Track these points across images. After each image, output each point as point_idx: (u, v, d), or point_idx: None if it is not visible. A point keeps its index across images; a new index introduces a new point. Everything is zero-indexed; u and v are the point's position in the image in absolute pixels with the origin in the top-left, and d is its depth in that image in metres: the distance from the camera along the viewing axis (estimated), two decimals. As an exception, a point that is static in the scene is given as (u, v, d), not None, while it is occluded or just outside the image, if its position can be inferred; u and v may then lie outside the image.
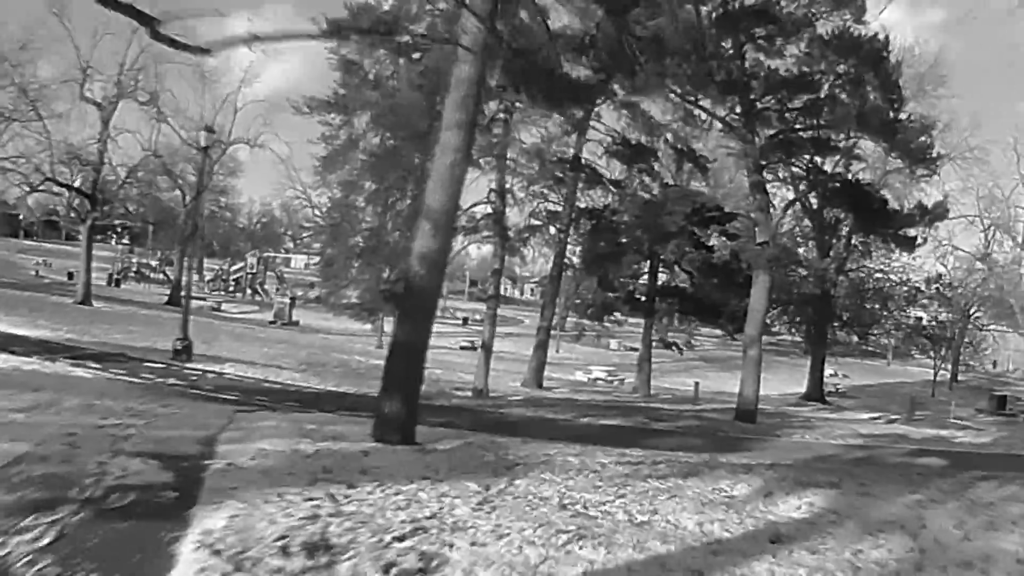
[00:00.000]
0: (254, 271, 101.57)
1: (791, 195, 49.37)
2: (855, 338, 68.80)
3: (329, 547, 7.98)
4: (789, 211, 52.25)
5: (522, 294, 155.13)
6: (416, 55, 32.11)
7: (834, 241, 63.06)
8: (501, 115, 35.40)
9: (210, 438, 14.18)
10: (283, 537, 8.06)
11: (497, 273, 39.82)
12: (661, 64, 28.70)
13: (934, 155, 37.62)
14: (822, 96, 34.69)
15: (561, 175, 42.88)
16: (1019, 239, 75.24)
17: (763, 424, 34.82)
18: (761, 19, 33.33)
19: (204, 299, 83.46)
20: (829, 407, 55.44)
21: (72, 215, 73.56)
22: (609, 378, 57.89)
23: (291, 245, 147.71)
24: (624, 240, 44.93)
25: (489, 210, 36.86)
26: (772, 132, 36.44)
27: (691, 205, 41.52)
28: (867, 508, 13.37)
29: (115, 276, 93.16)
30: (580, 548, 8.87)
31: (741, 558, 9.26)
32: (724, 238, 49.75)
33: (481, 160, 34.41)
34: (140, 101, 65.26)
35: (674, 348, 51.68)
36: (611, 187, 44.17)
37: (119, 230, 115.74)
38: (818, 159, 39.99)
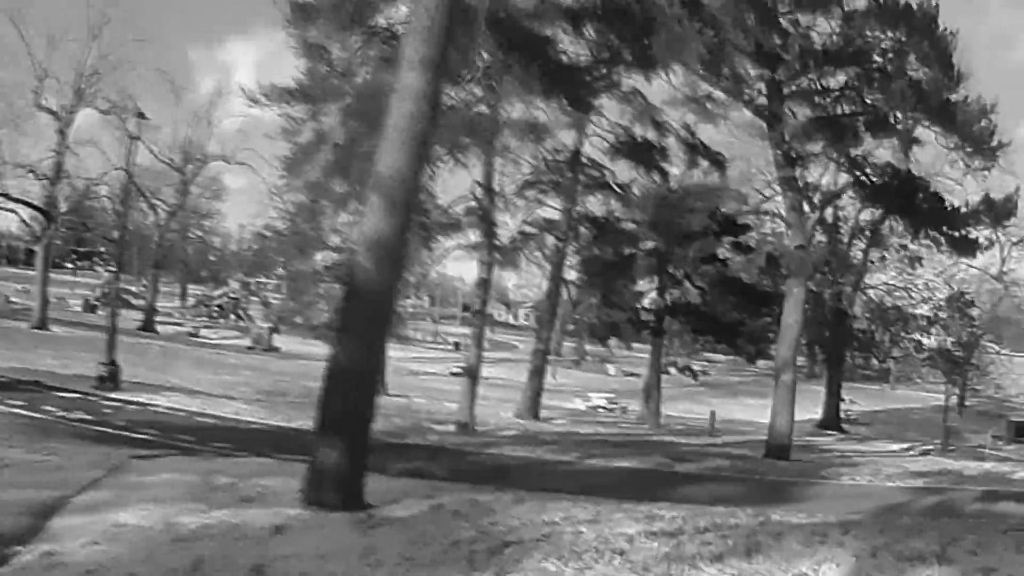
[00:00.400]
0: (236, 296, 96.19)
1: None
2: (875, 362, 62.81)
3: None
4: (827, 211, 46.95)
5: (515, 319, 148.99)
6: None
7: (851, 253, 57.99)
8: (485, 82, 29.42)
9: (57, 502, 10.30)
10: None
11: (484, 284, 32.24)
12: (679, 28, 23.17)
13: (996, 142, 31.64)
14: (869, 69, 28.98)
15: (558, 178, 37.34)
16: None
17: (799, 462, 29.19)
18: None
19: (180, 324, 78.44)
20: (848, 436, 50.12)
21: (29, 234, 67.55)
22: (610, 405, 52.46)
23: (281, 271, 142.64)
24: (631, 251, 39.59)
25: (473, 204, 30.80)
26: (811, 115, 30.73)
27: (715, 201, 35.64)
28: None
29: (91, 302, 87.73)
30: None
31: None
32: (739, 251, 44.22)
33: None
34: (100, 109, 59.57)
35: (688, 373, 45.22)
36: (616, 190, 38.30)
37: (105, 256, 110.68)
38: (853, 150, 33.44)
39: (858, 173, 33.64)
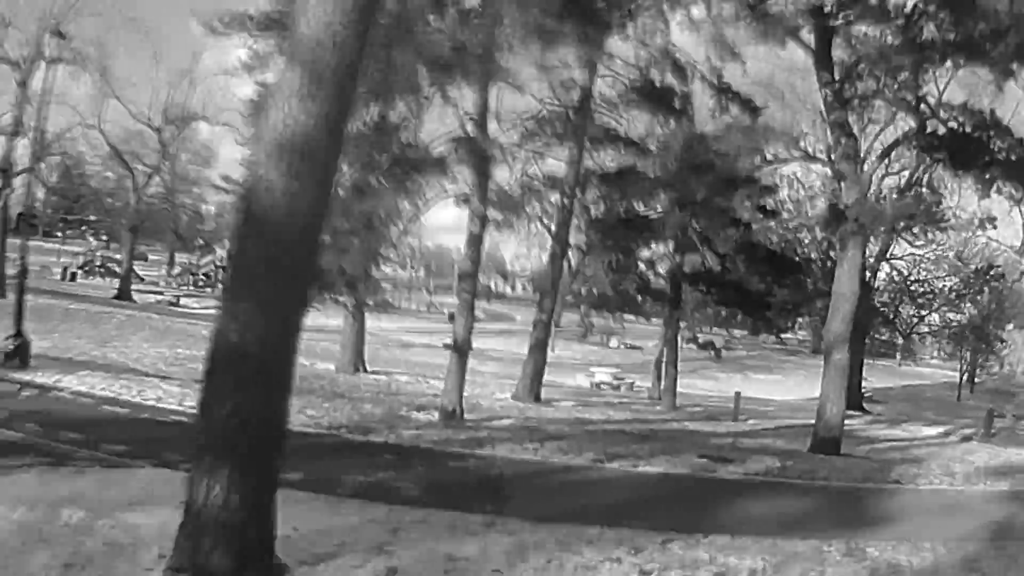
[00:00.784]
0: (223, 264, 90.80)
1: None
2: (900, 339, 57.45)
3: None
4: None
5: (513, 290, 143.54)
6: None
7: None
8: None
9: None
10: None
11: (475, 242, 24.32)
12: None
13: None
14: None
15: (563, 128, 31.89)
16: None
17: (851, 457, 23.94)
18: None
19: (161, 293, 73.24)
20: (875, 418, 44.92)
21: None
22: (615, 382, 47.21)
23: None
24: (645, 211, 34.38)
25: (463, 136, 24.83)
26: (869, 42, 25.16)
27: (763, 139, 29.83)
28: None
29: (71, 271, 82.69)
30: None
31: None
32: (761, 214, 38.86)
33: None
34: (65, 60, 53.84)
35: (711, 350, 39.37)
36: (631, 140, 32.67)
37: (94, 224, 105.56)
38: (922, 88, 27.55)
39: (926, 116, 27.78)
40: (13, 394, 17.65)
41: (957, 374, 73.06)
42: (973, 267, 57.02)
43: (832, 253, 51.85)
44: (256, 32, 25.38)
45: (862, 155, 30.85)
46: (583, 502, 13.39)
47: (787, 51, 28.32)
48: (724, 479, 17.65)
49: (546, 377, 33.07)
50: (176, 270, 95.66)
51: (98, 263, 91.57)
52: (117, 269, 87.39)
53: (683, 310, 36.57)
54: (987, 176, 26.60)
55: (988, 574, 10.68)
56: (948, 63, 26.20)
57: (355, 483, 12.51)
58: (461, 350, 22.28)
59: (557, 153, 32.45)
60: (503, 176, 30.69)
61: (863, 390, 58.55)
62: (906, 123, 32.76)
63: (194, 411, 15.98)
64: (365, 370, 31.77)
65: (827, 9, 24.78)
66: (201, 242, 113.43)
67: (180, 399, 19.11)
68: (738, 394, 34.88)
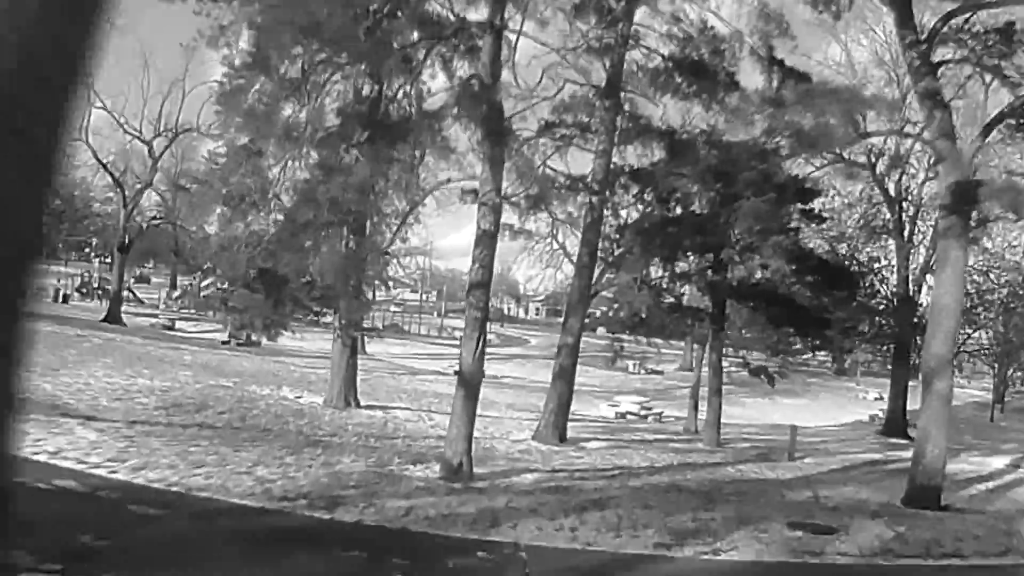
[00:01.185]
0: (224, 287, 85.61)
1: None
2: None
3: None
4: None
5: (527, 313, 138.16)
6: None
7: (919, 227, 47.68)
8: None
9: None
10: None
11: (488, 241, 16.79)
12: None
13: None
14: None
15: (587, 116, 26.46)
16: None
17: (968, 513, 18.50)
18: None
19: (156, 316, 67.79)
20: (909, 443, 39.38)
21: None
22: (642, 411, 41.61)
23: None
24: (682, 214, 28.86)
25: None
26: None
27: (859, 105, 23.77)
28: None
29: (64, 292, 77.33)
30: None
31: None
32: (808, 219, 33.30)
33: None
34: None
35: (762, 377, 33.32)
36: (665, 134, 27.13)
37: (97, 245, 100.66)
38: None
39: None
40: None
41: (982, 392, 68.17)
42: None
43: (877, 266, 46.54)
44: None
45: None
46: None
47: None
48: (837, 565, 12.19)
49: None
50: (176, 292, 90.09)
51: (95, 284, 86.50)
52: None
53: (726, 331, 30.82)
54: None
55: None
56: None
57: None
58: (469, 383, 16.48)
59: (580, 144, 26.88)
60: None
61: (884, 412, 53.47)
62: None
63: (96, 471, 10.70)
64: (358, 404, 26.11)
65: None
66: (206, 264, 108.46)
67: (86, 452, 13.67)
68: (794, 428, 29.41)
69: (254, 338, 60.57)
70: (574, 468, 19.63)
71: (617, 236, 29.73)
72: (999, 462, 32.22)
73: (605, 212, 26.69)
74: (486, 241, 16.00)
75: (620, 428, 32.66)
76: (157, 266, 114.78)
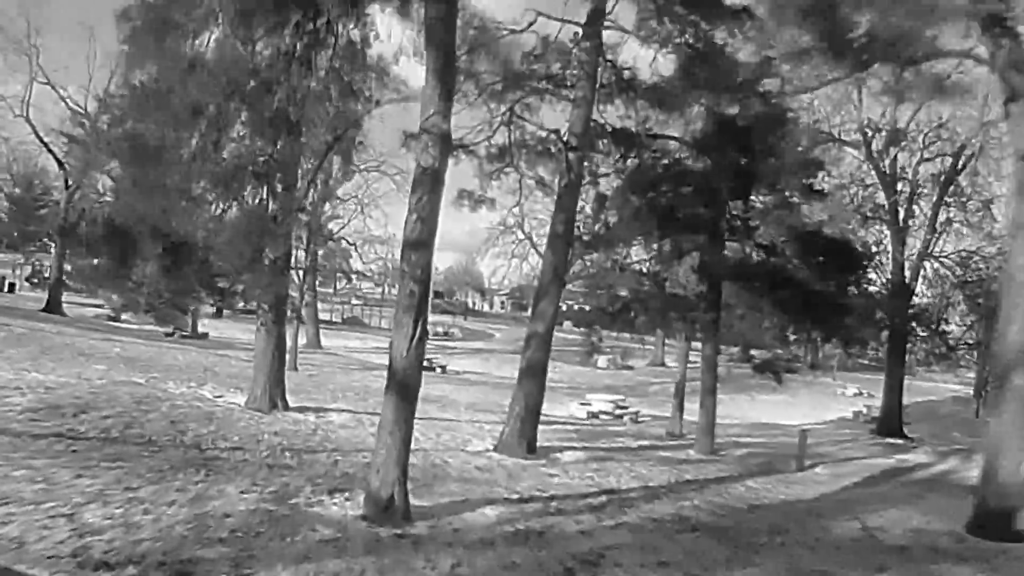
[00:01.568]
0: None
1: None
2: (943, 349, 46.89)
3: None
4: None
5: (491, 307, 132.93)
6: None
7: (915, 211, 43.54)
8: None
9: None
10: None
11: (430, 185, 11.11)
12: None
13: None
14: None
15: (560, 68, 21.57)
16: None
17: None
18: None
19: (101, 306, 62.31)
20: (926, 447, 34.95)
21: None
22: (616, 411, 36.86)
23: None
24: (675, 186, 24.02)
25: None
26: None
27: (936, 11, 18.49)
28: None
29: (11, 281, 72.29)
30: None
31: None
32: (809, 196, 28.39)
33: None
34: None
35: (768, 374, 28.14)
36: (653, 90, 22.17)
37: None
38: None
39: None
40: None
41: (959, 387, 63.84)
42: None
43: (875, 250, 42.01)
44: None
45: None
46: None
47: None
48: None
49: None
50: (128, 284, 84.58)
51: (46, 274, 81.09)
52: (68, 281, 77.40)
53: (720, 320, 25.83)
54: None
55: None
56: None
57: None
58: (403, 385, 11.28)
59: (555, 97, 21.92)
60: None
61: (866, 406, 49.41)
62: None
63: None
64: (286, 406, 21.02)
65: None
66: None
67: None
68: (804, 434, 24.67)
69: (201, 330, 55.94)
70: (548, 494, 14.66)
71: (596, 207, 24.70)
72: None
73: (584, 175, 21.52)
74: (428, 184, 10.89)
75: (595, 432, 27.64)
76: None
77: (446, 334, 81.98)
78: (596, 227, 25.24)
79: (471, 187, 21.98)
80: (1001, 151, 36.84)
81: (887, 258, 42.24)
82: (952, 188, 42.18)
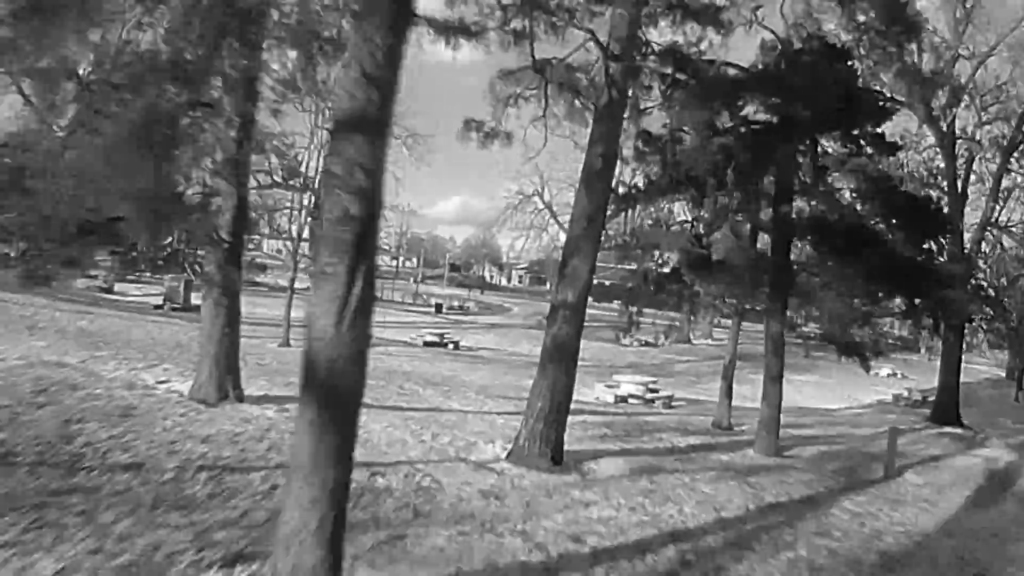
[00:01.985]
0: (178, 248, 75.04)
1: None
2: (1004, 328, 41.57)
3: None
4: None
5: (509, 281, 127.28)
6: None
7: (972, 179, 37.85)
8: None
9: None
10: None
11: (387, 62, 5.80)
12: None
13: None
14: None
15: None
16: None
17: None
18: None
19: (94, 277, 57.31)
20: (981, 435, 30.03)
21: None
22: (648, 395, 31.64)
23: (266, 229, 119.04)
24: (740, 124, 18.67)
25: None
26: None
27: None
28: None
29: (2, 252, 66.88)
30: None
31: None
32: (878, 148, 22.84)
33: None
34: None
35: (855, 357, 22.44)
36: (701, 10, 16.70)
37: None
38: None
39: None
40: None
41: (987, 368, 62.13)
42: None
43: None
44: None
45: None
46: None
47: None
48: None
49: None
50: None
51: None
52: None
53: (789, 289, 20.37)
54: None
55: None
56: None
57: None
58: (329, 396, 5.95)
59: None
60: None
61: (908, 390, 43.71)
62: None
63: None
64: (239, 396, 15.88)
65: None
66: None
67: None
68: (895, 434, 19.38)
69: (196, 302, 50.95)
70: (588, 546, 9.41)
71: (642, 146, 19.18)
72: None
73: (628, 95, 15.93)
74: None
75: (629, 425, 22.21)
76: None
77: (461, 308, 77.17)
78: (637, 173, 19.86)
79: (479, 116, 16.71)
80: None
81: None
82: (1017, 153, 36.75)
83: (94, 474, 9.69)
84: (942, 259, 25.70)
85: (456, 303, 78.48)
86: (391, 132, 6.26)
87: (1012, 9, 35.88)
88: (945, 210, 26.99)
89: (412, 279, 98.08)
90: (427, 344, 46.01)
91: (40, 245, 11.82)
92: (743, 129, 19.00)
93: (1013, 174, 37.94)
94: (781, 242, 19.41)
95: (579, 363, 15.24)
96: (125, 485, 9.40)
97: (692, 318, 58.28)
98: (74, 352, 19.27)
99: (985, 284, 38.86)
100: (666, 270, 21.89)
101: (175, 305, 46.71)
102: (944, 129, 36.33)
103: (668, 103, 18.04)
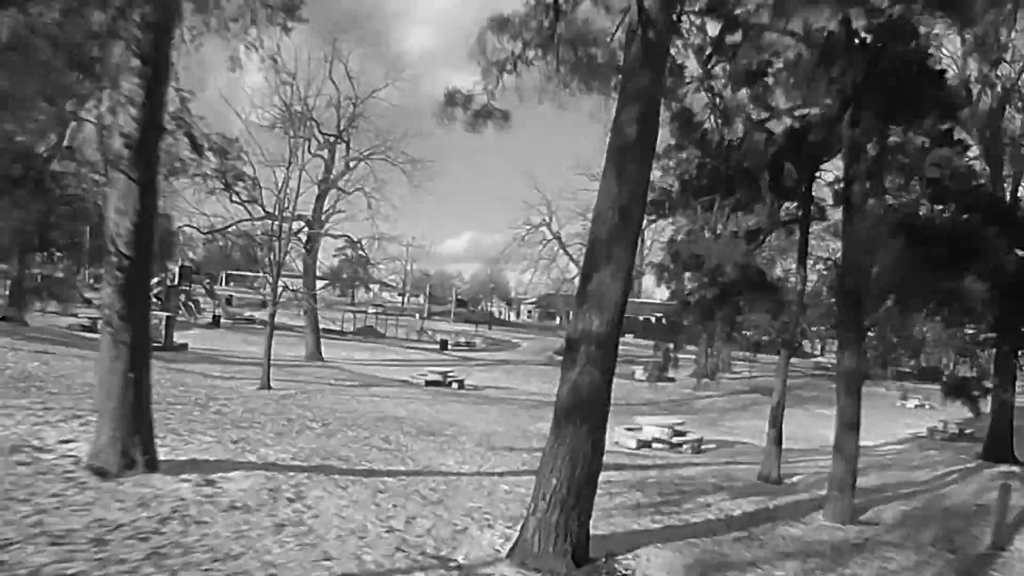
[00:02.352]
0: (174, 284, 71.31)
1: None
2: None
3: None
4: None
5: (518, 315, 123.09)
6: None
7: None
8: None
9: None
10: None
11: None
12: None
13: None
14: None
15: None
16: None
17: None
18: None
19: (75, 315, 52.97)
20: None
21: None
22: (674, 439, 27.45)
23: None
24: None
25: None
26: None
27: None
28: None
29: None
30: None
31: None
32: (945, 143, 18.57)
33: None
34: None
35: (963, 399, 17.68)
36: None
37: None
38: None
39: None
40: None
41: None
42: None
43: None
44: None
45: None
46: None
47: None
48: None
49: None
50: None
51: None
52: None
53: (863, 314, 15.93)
54: None
55: None
56: None
57: None
58: None
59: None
60: None
61: (943, 422, 38.58)
62: None
63: None
64: (151, 465, 11.35)
65: None
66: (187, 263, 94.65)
67: None
68: (1007, 491, 14.87)
69: (180, 341, 47.04)
70: None
71: (679, 135, 14.80)
72: None
73: (670, 40, 11.42)
74: None
75: (665, 483, 17.76)
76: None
77: (468, 344, 73.75)
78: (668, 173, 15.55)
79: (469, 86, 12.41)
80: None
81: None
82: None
83: None
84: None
85: (463, 340, 74.89)
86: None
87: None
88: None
89: (417, 315, 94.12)
90: (429, 384, 41.88)
91: None
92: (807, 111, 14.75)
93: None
94: (855, 252, 15.01)
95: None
96: None
97: (710, 350, 53.81)
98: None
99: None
100: (708, 294, 17.34)
101: (157, 344, 42.39)
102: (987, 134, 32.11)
103: (708, 79, 13.77)
